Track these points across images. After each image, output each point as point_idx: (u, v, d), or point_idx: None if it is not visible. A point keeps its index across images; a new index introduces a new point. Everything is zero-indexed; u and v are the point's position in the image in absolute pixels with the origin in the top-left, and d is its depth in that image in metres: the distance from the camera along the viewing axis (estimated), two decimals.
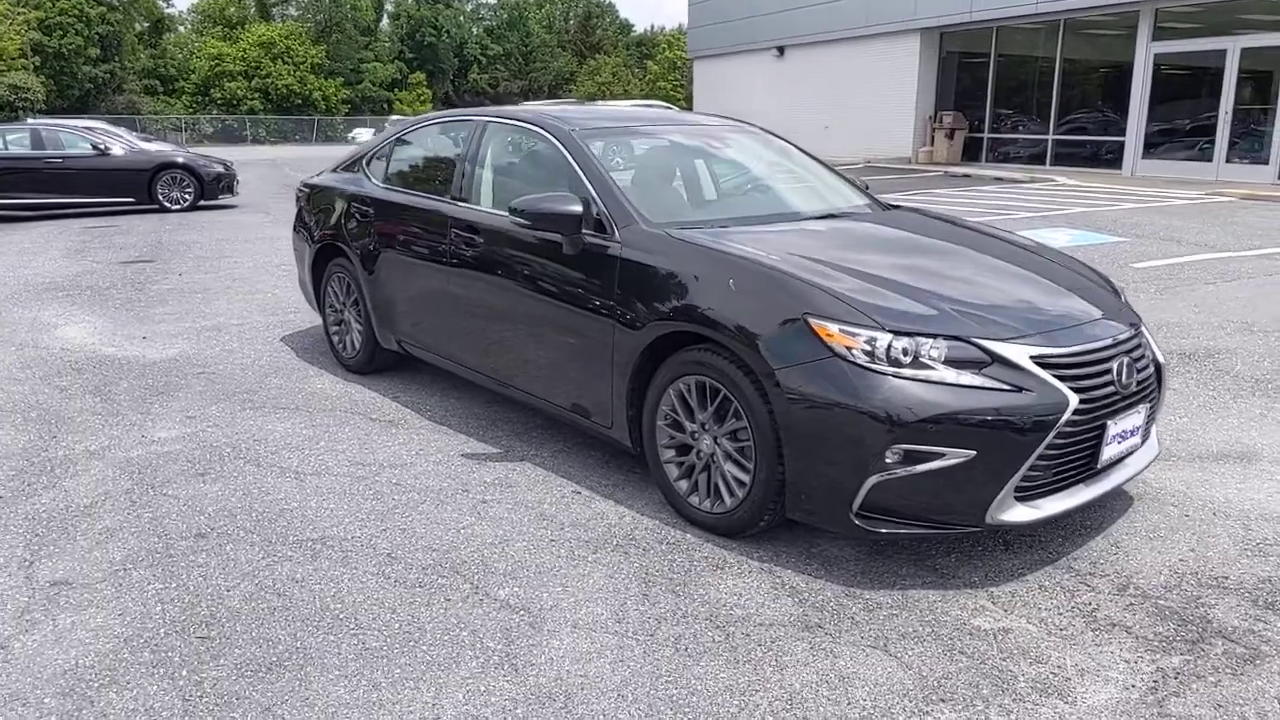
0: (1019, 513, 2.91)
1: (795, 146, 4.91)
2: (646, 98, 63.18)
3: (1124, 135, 16.51)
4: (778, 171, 4.53)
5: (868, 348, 2.86)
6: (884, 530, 2.91)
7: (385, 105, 67.75)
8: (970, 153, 20.19)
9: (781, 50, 25.15)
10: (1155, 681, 2.45)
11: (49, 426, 4.47)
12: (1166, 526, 3.37)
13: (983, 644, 2.63)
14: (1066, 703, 2.37)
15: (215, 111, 58.77)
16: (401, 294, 4.80)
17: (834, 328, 2.91)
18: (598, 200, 3.72)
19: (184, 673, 2.44)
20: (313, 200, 5.65)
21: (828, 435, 2.88)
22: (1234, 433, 4.34)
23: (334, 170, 5.74)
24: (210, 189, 15.27)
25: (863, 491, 2.86)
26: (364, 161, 5.33)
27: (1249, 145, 14.76)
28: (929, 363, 2.85)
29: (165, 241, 11.17)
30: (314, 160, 30.72)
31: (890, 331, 2.88)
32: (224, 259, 9.77)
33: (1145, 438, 3.37)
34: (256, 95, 59.67)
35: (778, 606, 2.82)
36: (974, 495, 2.86)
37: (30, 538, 3.26)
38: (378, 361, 5.29)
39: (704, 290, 3.23)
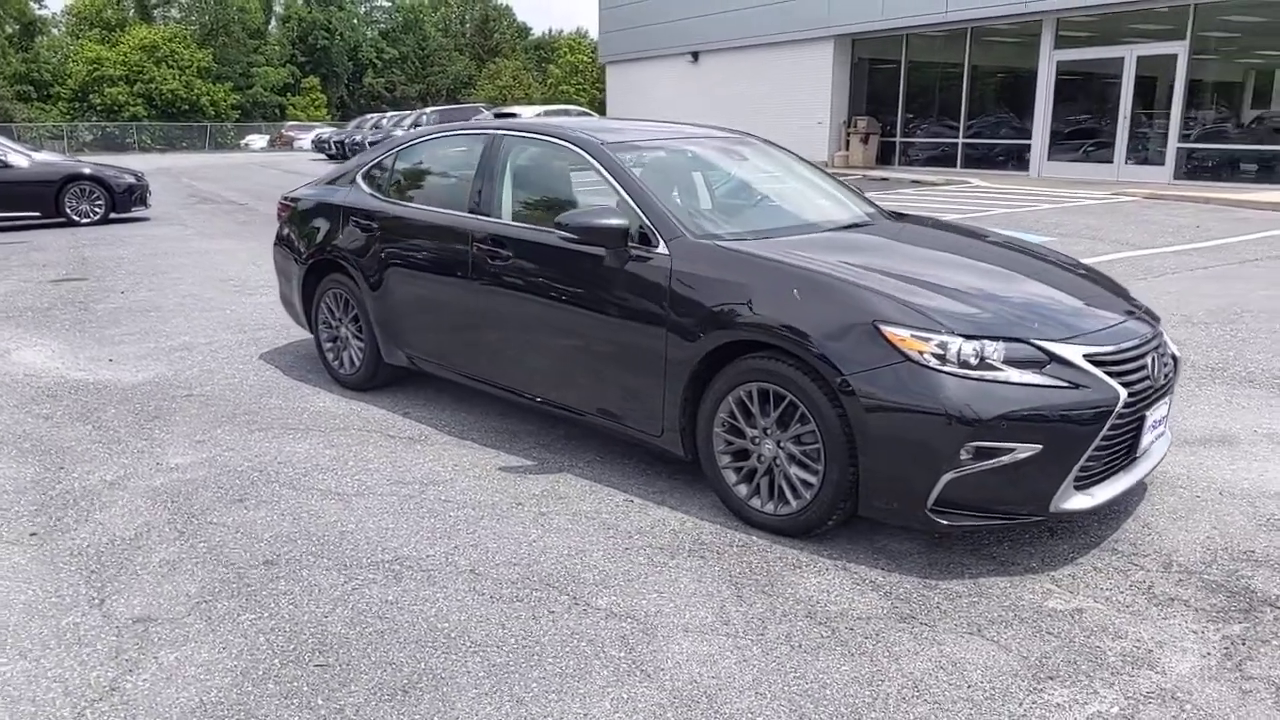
0: (1078, 501, 3.12)
1: (796, 156, 5.08)
2: (548, 101, 63.12)
3: (1030, 139, 17.42)
4: (790, 182, 4.69)
5: (939, 351, 3.03)
6: (956, 523, 3.08)
7: (278, 111, 65.67)
8: (884, 156, 20.93)
9: (696, 56, 25.54)
10: (1226, 649, 2.69)
11: (50, 457, 4.27)
12: (1184, 508, 3.65)
13: (1064, 624, 2.82)
14: (1158, 672, 2.57)
15: (94, 118, 55.90)
16: (412, 309, 4.77)
17: (905, 333, 3.07)
18: (640, 213, 3.79)
19: (319, 701, 2.42)
20: (300, 216, 5.54)
21: (904, 436, 3.03)
22: (1209, 419, 4.70)
23: (320, 184, 5.64)
24: (122, 201, 14.59)
25: (938, 488, 3.02)
26: (357, 176, 5.26)
27: (1146, 147, 15.77)
28: (995, 364, 3.03)
29: (90, 258, 10.66)
30: (213, 169, 29.64)
31: (960, 335, 3.05)
32: (162, 275, 9.39)
33: (1166, 427, 3.66)
34: (139, 101, 56.97)
35: (866, 600, 2.96)
36: (1039, 486, 3.05)
37: (87, 574, 3.13)
38: (380, 378, 5.22)
39: (766, 300, 3.35)
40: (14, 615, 2.86)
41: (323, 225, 5.32)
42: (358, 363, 5.24)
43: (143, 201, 15.08)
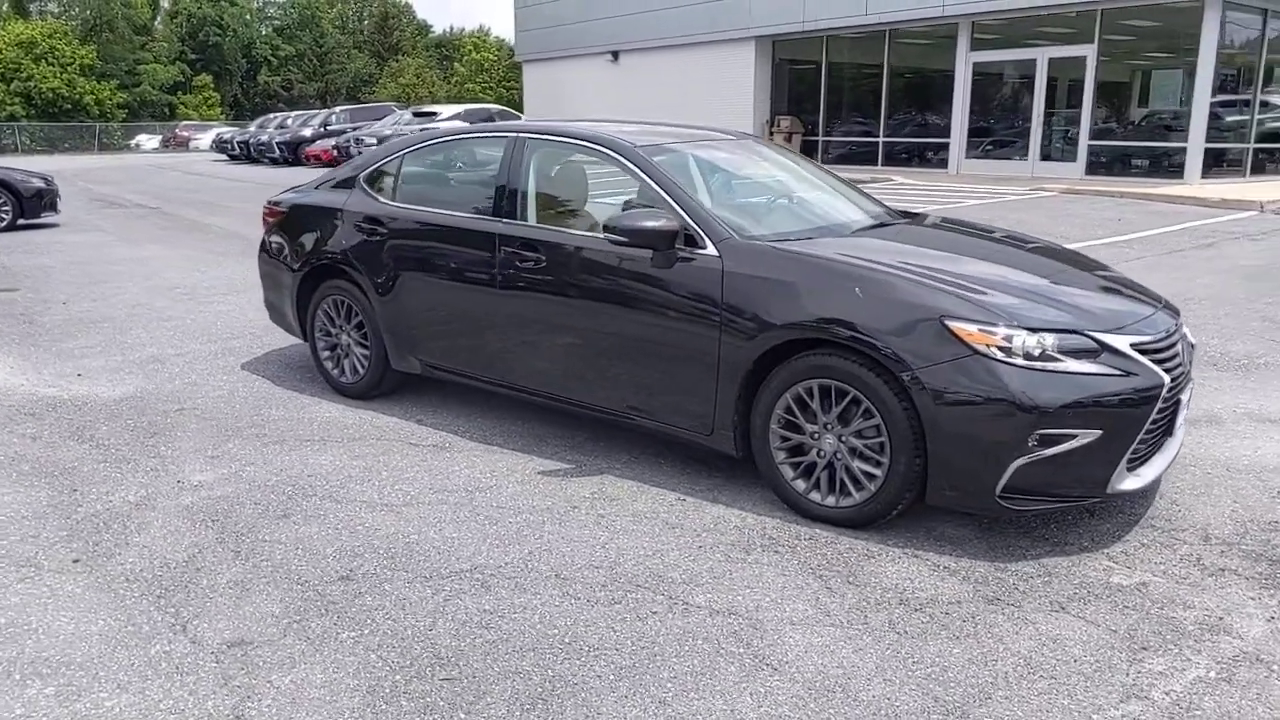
0: (1130, 482, 3.31)
1: (799, 155, 5.19)
2: (455, 100, 62.18)
3: (949, 137, 18.09)
4: (804, 182, 4.79)
5: (1005, 344, 3.17)
6: (1022, 508, 3.23)
7: (168, 110, 62.88)
8: (807, 155, 21.38)
9: (616, 55, 25.59)
10: None
11: (57, 479, 4.05)
12: (1202, 484, 3.90)
13: (1135, 598, 2.99)
14: (1235, 637, 2.76)
15: None
16: (429, 314, 4.69)
17: (973, 328, 3.20)
18: (685, 216, 3.83)
19: (460, 715, 2.38)
20: (293, 221, 5.37)
21: (974, 426, 3.16)
22: (1192, 400, 5.01)
23: (311, 188, 5.48)
24: (31, 207, 13.80)
25: (1007, 475, 3.16)
26: (360, 179, 5.13)
27: (1059, 144, 16.58)
28: (1056, 355, 3.18)
29: (11, 266, 10.05)
30: (106, 172, 28.23)
31: (1024, 328, 3.20)
32: (101, 284, 8.93)
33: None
34: (17, 100, 53.75)
35: (949, 585, 3.08)
36: (1098, 469, 3.22)
37: (155, 599, 3.00)
38: (385, 386, 5.12)
39: (827, 299, 3.43)
40: (94, 646, 2.73)
41: (321, 230, 5.18)
42: (361, 370, 5.12)
43: (53, 207, 14.30)
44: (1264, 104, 15.96)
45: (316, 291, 5.26)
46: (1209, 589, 3.05)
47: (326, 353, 5.31)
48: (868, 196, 4.93)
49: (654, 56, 24.26)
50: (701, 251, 3.77)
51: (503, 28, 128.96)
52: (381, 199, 4.98)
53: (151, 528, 3.56)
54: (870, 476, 3.42)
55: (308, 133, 31.07)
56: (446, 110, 23.61)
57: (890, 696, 2.47)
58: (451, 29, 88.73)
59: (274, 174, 25.94)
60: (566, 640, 2.73)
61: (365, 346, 5.08)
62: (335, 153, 27.44)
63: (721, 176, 4.55)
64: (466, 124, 5.37)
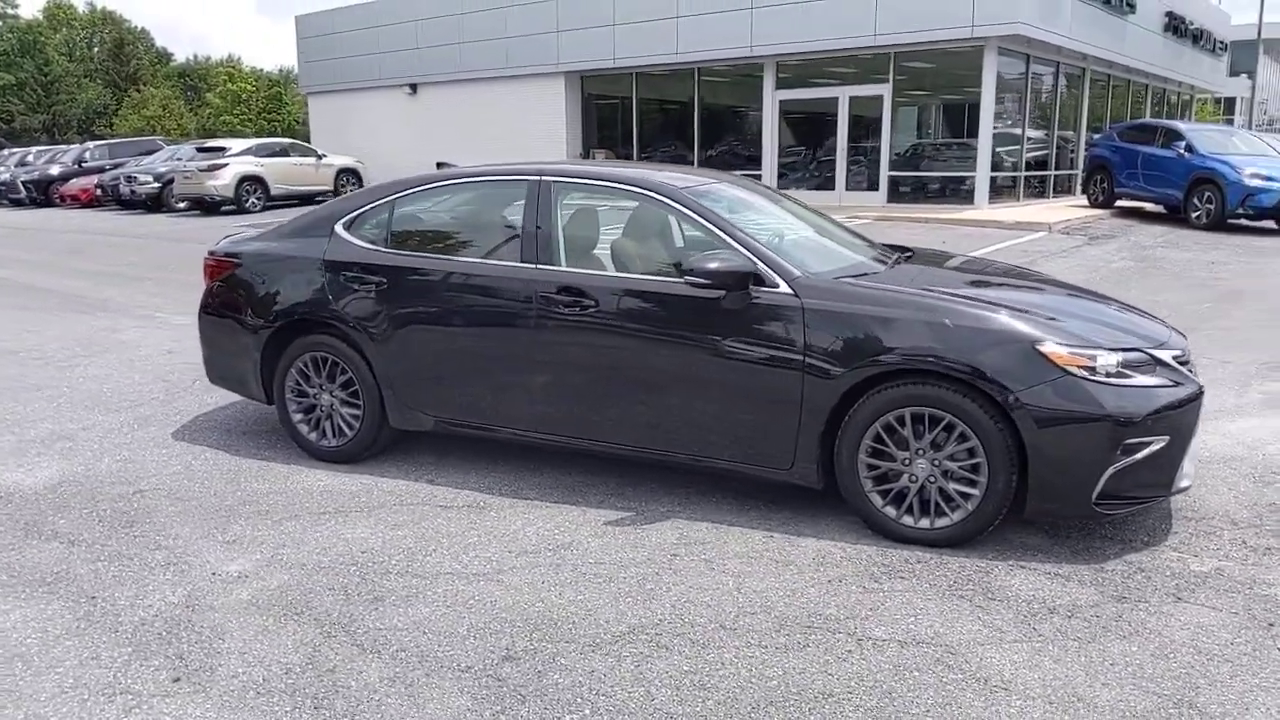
0: (1185, 479, 3.72)
1: (780, 193, 5.38)
2: (205, 134, 58.00)
3: (760, 168, 19.15)
4: (806, 220, 4.95)
5: (1091, 364, 3.48)
6: (1112, 512, 3.55)
7: None
8: None
9: (415, 88, 24.98)
10: None
11: (58, 587, 3.45)
12: (1208, 474, 4.40)
13: (1225, 581, 3.37)
14: None
15: None
16: (445, 368, 4.43)
17: (1064, 351, 3.48)
18: (750, 255, 3.89)
19: None
20: (253, 272, 4.89)
21: (1073, 441, 3.44)
22: None
23: (270, 238, 5.01)
24: None
25: (1101, 482, 3.47)
26: (337, 226, 4.75)
27: (863, 175, 18.02)
28: (1128, 371, 3.54)
29: None
30: None
31: (1104, 349, 3.53)
32: None
33: None
34: None
35: (1074, 590, 3.32)
36: (1166, 471, 3.60)
37: (312, 710, 2.64)
38: (376, 447, 4.76)
39: (920, 331, 3.61)
40: None
41: (294, 282, 4.75)
42: (348, 432, 4.73)
43: None
44: (1028, 137, 18.20)
45: (287, 349, 4.81)
46: (1273, 566, 3.48)
47: (300, 416, 4.86)
48: (853, 232, 5.20)
49: (456, 90, 23.93)
50: (774, 290, 3.84)
51: (255, 56, 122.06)
52: (372, 246, 4.65)
53: (230, 630, 3.12)
54: (966, 497, 3.62)
55: (56, 170, 28.01)
56: (236, 144, 22.03)
57: (1122, 700, 2.64)
58: (195, 58, 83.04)
59: (22, 217, 23.13)
60: (795, 690, 2.70)
61: (354, 405, 4.70)
62: (99, 191, 24.90)
63: (749, 215, 4.64)
64: (458, 166, 5.11)
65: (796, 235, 4.59)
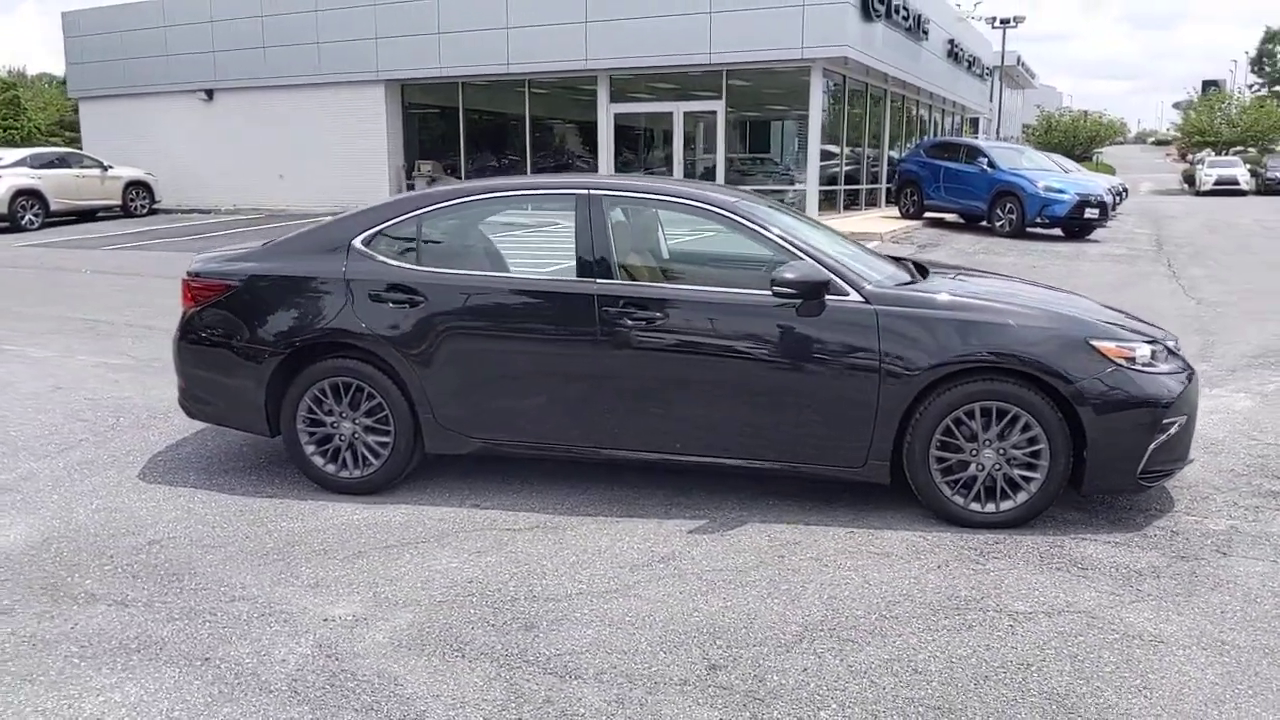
0: (1191, 451, 4.29)
1: (786, 208, 5.59)
2: None
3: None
4: (829, 235, 5.11)
5: (1132, 355, 3.96)
6: (1151, 484, 4.05)
7: None
8: None
9: (210, 94, 23.24)
10: None
11: (150, 653, 3.07)
12: (1199, 437, 5.01)
13: (1245, 537, 3.93)
14: None
15: None
16: (495, 387, 4.31)
17: (1112, 344, 3.95)
18: (821, 266, 4.09)
19: None
20: (255, 295, 4.52)
21: (1123, 425, 3.90)
22: None
23: (270, 256, 4.64)
24: None
25: (1145, 457, 3.95)
26: (357, 242, 4.48)
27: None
28: (1156, 361, 4.05)
29: None
30: None
31: (1141, 342, 4.02)
32: None
33: None
34: None
35: (1143, 555, 3.76)
36: (1184, 444, 4.15)
37: None
38: (405, 474, 4.54)
39: (989, 333, 3.95)
40: None
41: (310, 304, 4.44)
42: (375, 461, 4.47)
43: None
44: (845, 154, 19.65)
45: (298, 377, 4.48)
46: (1273, 520, 4.10)
47: (313, 447, 4.54)
48: (859, 244, 5.50)
49: (260, 97, 22.52)
50: (844, 298, 4.06)
51: None
52: (402, 264, 4.43)
53: (400, 675, 2.92)
54: (1029, 480, 4.00)
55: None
56: (6, 154, 19.55)
57: (1256, 640, 3.06)
58: None
59: None
60: (998, 664, 2.92)
61: (382, 433, 4.45)
62: None
63: (797, 229, 4.76)
64: (472, 182, 4.96)
65: (839, 247, 4.84)
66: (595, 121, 19.36)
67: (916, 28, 20.53)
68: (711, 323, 4.15)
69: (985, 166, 16.59)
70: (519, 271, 4.39)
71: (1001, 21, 38.88)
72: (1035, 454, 3.97)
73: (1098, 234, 16.81)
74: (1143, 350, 4.00)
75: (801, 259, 4.11)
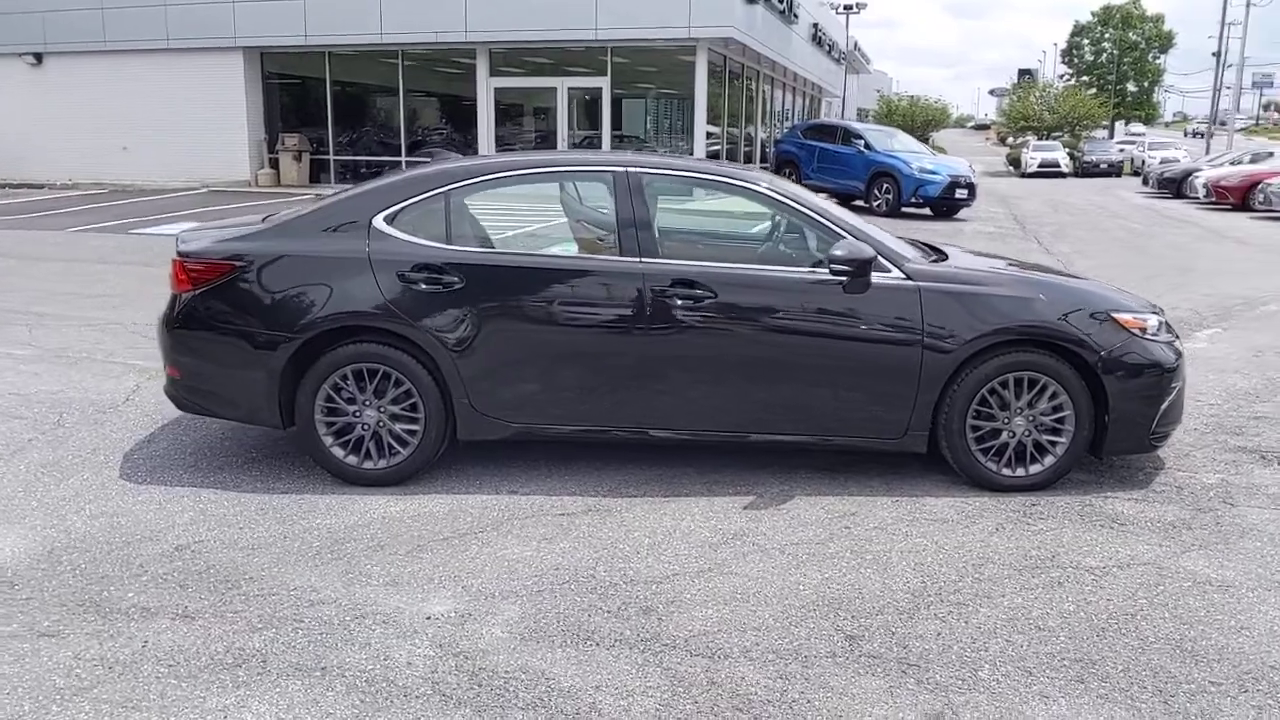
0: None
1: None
2: None
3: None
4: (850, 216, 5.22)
5: (1144, 326, 4.28)
6: (1157, 444, 4.39)
7: None
8: (317, 175, 20.34)
9: (40, 57, 21.05)
10: None
11: (254, 667, 2.83)
12: None
13: (1239, 488, 4.34)
14: None
15: None
16: (536, 370, 4.19)
17: (1129, 316, 4.25)
18: (865, 244, 4.19)
19: None
20: (266, 276, 4.19)
21: (1140, 390, 4.22)
22: None
23: (285, 236, 4.30)
24: None
25: (1156, 420, 4.29)
26: (379, 220, 4.22)
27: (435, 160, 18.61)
28: (1160, 330, 4.39)
29: None
30: None
31: (1150, 313, 4.34)
32: None
33: None
34: None
35: (1166, 509, 4.09)
36: (1180, 407, 4.52)
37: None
38: (431, 463, 4.35)
39: (1022, 307, 4.17)
40: None
41: (332, 285, 4.17)
42: (403, 450, 4.26)
43: None
44: (726, 132, 20.00)
45: (316, 364, 4.20)
46: (1254, 472, 4.54)
47: (331, 439, 4.27)
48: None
49: (99, 62, 20.58)
50: (888, 275, 4.18)
51: None
52: (433, 243, 4.22)
53: (561, 666, 2.82)
54: (1055, 445, 4.26)
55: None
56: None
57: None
58: None
59: None
60: (1108, 616, 3.12)
61: (411, 421, 4.24)
62: None
63: (828, 208, 4.83)
64: (501, 158, 4.78)
65: (870, 227, 4.94)
66: (475, 96, 18.86)
67: (789, 11, 21.11)
68: (757, 301, 4.18)
69: (862, 148, 17.32)
70: (553, 250, 4.27)
71: (845, 7, 40.60)
72: (1061, 420, 4.23)
73: (963, 213, 17.90)
74: (1152, 321, 4.33)
75: (846, 237, 4.20)
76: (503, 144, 19.19)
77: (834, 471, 4.49)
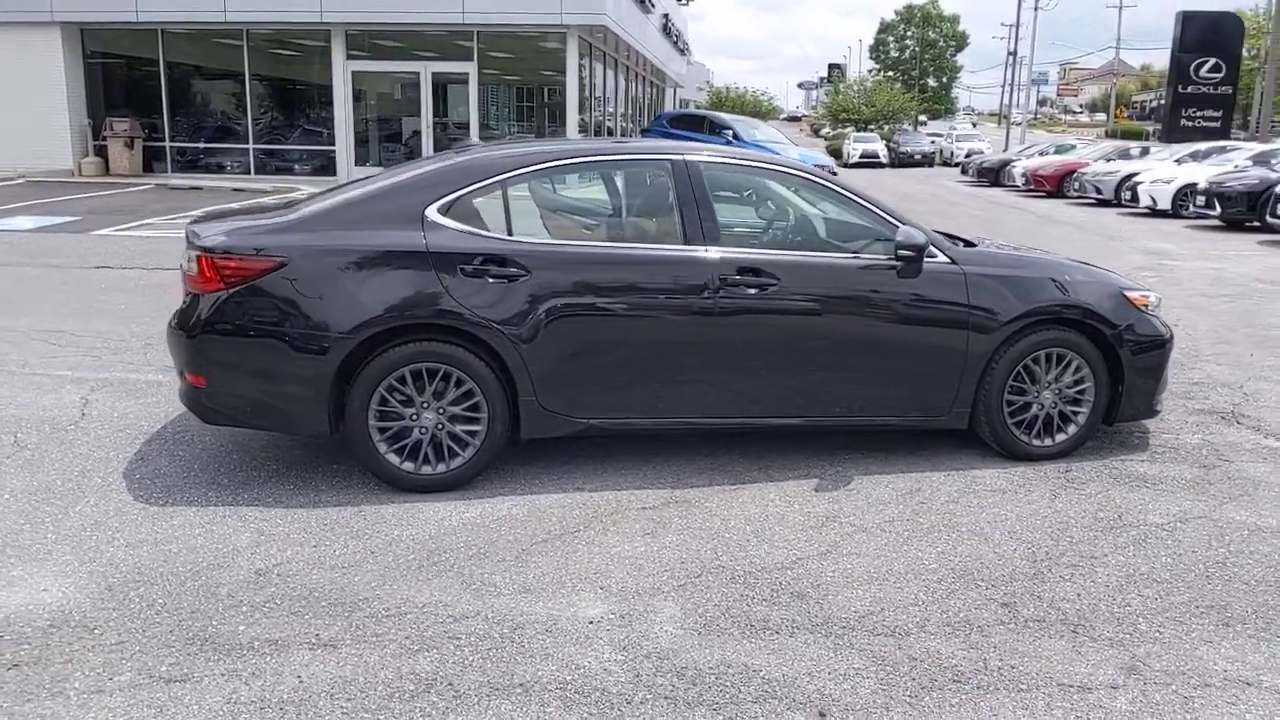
0: None
1: None
2: None
3: (335, 144, 17.95)
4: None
5: (1148, 302, 4.70)
6: (1158, 411, 4.83)
7: None
8: (150, 163, 18.67)
9: None
10: None
11: (441, 691, 2.65)
12: None
13: (1222, 446, 4.84)
14: None
15: None
16: (605, 362, 4.12)
17: (1137, 294, 4.65)
18: (919, 231, 4.36)
19: None
20: (315, 273, 3.87)
21: (1146, 361, 4.63)
22: None
23: (327, 227, 3.99)
24: None
25: (1157, 388, 4.72)
26: (432, 211, 3.99)
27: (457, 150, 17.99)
28: (1157, 306, 4.82)
29: None
30: None
31: (1148, 291, 4.76)
32: None
33: None
34: None
35: (1178, 468, 4.50)
36: (1168, 376, 4.99)
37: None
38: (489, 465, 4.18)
39: (1051, 289, 4.47)
40: None
41: (388, 281, 3.93)
42: (462, 453, 4.07)
43: None
44: (587, 120, 19.93)
45: (369, 365, 3.94)
46: (1227, 432, 5.07)
47: (388, 445, 4.02)
48: None
49: None
50: (935, 260, 4.37)
51: None
52: (494, 234, 4.03)
53: (760, 657, 2.79)
54: (1077, 415, 4.61)
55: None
56: None
57: None
58: None
59: None
60: (1192, 568, 3.42)
61: (473, 422, 4.06)
62: None
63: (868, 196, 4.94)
64: (552, 145, 4.60)
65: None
66: (330, 81, 17.90)
67: (646, 1, 21.31)
68: (818, 287, 4.27)
69: (731, 138, 17.80)
70: (615, 241, 4.18)
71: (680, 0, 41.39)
72: (1082, 392, 4.58)
73: None
74: (1152, 298, 4.76)
75: (898, 225, 4.35)
76: (365, 128, 18.35)
77: (869, 451, 4.64)
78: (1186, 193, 17.52)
